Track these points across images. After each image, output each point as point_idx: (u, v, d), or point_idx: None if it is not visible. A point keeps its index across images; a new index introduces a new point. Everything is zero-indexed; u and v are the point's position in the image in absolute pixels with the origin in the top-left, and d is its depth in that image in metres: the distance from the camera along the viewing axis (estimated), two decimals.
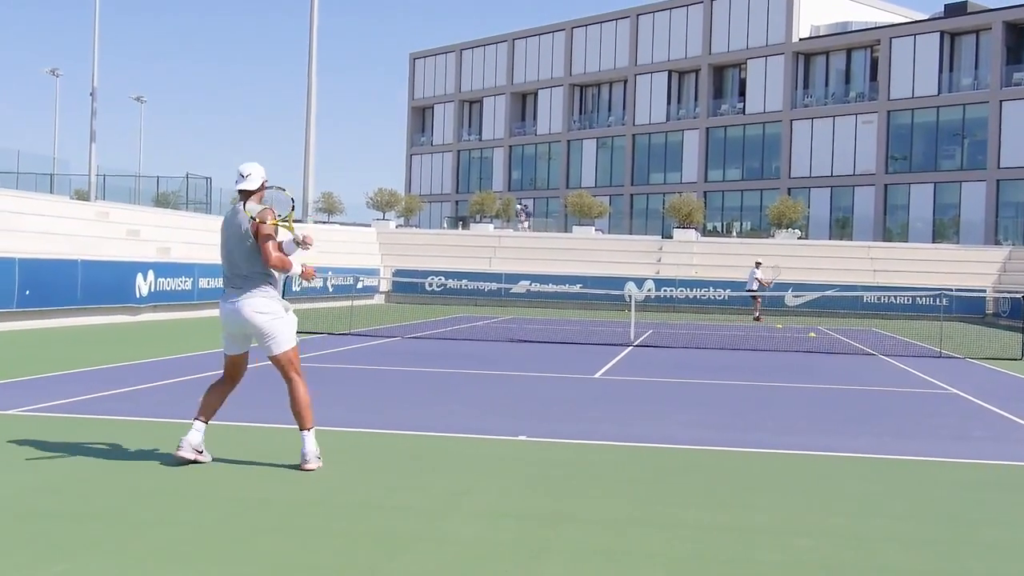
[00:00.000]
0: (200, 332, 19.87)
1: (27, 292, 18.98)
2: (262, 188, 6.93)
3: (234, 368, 7.06)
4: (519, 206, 48.51)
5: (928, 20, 54.87)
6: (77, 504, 5.77)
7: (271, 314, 6.79)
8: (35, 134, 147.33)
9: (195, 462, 6.79)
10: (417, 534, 5.34)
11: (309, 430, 6.85)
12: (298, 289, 7.08)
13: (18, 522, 5.37)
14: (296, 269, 6.94)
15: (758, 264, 32.11)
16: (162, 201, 40.50)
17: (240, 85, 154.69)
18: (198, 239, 29.02)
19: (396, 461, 7.35)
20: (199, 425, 6.83)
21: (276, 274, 6.87)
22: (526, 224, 47.57)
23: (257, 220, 6.70)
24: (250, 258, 6.77)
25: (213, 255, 29.67)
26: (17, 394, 10.08)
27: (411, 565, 4.81)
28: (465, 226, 51.07)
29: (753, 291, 30.81)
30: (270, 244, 6.74)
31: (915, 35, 53.27)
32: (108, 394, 10.31)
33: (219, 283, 26.42)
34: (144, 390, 10.84)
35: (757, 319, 31.09)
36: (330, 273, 32.60)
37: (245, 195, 6.85)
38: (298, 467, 6.85)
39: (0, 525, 5.30)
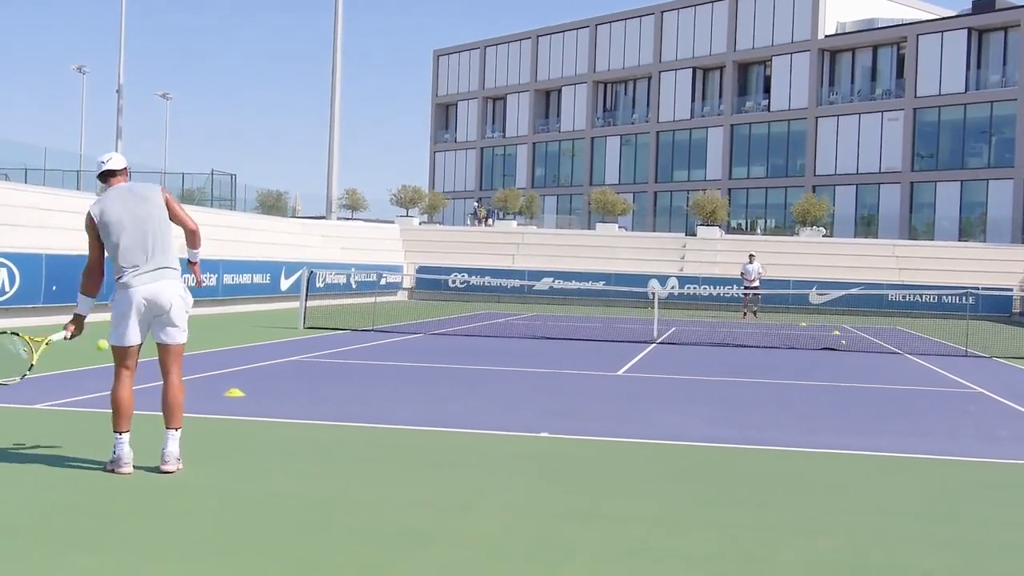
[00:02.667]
0: (223, 328, 19.97)
1: (54, 288, 19.13)
2: (126, 172, 6.65)
3: (134, 360, 6.52)
4: (475, 204, 48.48)
5: (956, 17, 54.42)
6: (102, 498, 5.81)
7: (187, 302, 6.56)
8: (62, 131, 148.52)
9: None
10: (438, 531, 5.35)
11: (177, 430, 6.48)
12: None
13: (45, 515, 5.42)
14: (200, 254, 6.91)
15: (752, 257, 31.68)
16: (187, 198, 40.70)
17: (265, 82, 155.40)
18: (223, 236, 29.15)
19: (417, 457, 7.36)
20: (127, 437, 6.42)
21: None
22: (489, 222, 47.64)
23: (165, 192, 6.58)
24: (167, 236, 6.49)
25: (239, 251, 29.67)
26: (43, 389, 10.16)
27: (432, 562, 4.81)
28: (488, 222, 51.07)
29: (754, 286, 30.42)
30: (187, 213, 6.67)
31: (942, 32, 52.85)
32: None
33: (244, 279, 26.69)
34: None
35: (744, 316, 30.86)
36: (353, 270, 32.68)
37: (110, 175, 6.55)
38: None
39: (28, 518, 5.35)
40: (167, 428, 6.47)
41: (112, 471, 6.38)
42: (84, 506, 5.63)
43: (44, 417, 8.65)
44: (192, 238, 6.75)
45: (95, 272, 6.54)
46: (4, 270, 18.18)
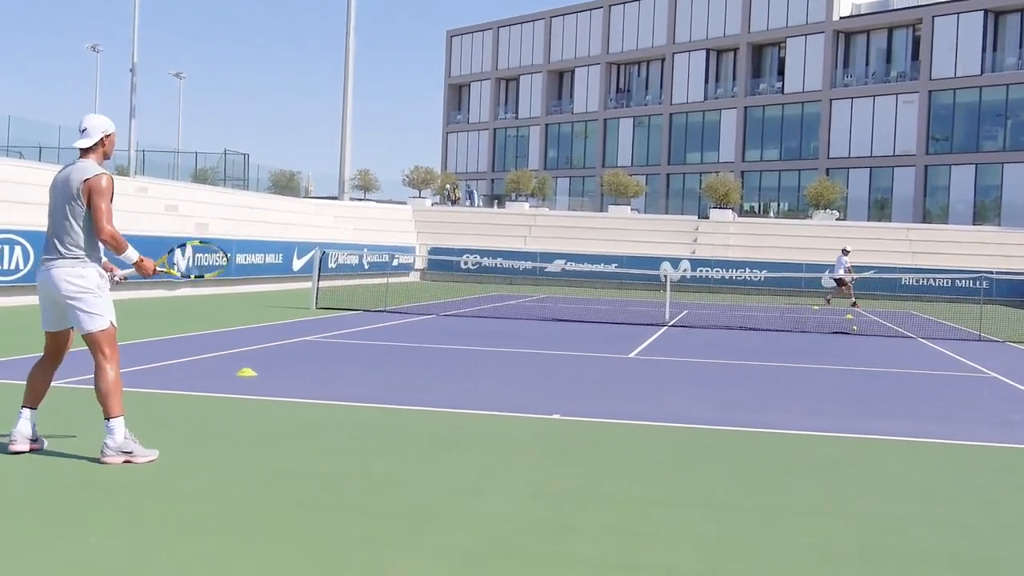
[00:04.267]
0: (236, 308, 20.03)
1: None
2: (104, 144, 6.24)
3: (54, 346, 6.36)
4: (448, 186, 48.02)
5: None
6: (112, 476, 5.84)
7: (84, 286, 6.06)
8: (76, 110, 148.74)
9: (33, 451, 6.26)
10: (449, 510, 5.36)
11: (114, 418, 6.09)
12: (119, 280, 6.54)
13: (58, 492, 5.45)
14: (132, 255, 6.23)
15: (846, 251, 30.10)
16: (200, 177, 40.77)
17: (278, 62, 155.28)
18: (236, 215, 29.22)
19: (429, 437, 7.38)
20: (27, 412, 6.25)
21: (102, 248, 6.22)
22: (468, 203, 47.50)
23: (91, 182, 6.05)
24: (75, 224, 6.08)
25: (251, 231, 29.76)
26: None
27: (442, 540, 4.83)
28: (500, 204, 51.04)
29: (838, 277, 29.30)
30: (104, 213, 6.06)
31: (958, 14, 52.47)
32: (144, 368, 10.43)
33: (257, 259, 26.77)
34: (179, 364, 10.95)
35: (827, 302, 29.56)
36: (365, 250, 32.72)
37: (84, 153, 6.20)
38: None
39: (42, 494, 5.39)
40: (104, 419, 6.14)
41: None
42: (95, 483, 5.65)
43: (55, 395, 8.68)
44: (104, 245, 6.20)
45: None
46: (19, 247, 18.27)
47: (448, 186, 48.17)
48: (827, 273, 29.97)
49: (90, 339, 6.14)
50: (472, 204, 50.88)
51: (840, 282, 29.34)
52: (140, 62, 43.81)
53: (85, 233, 6.13)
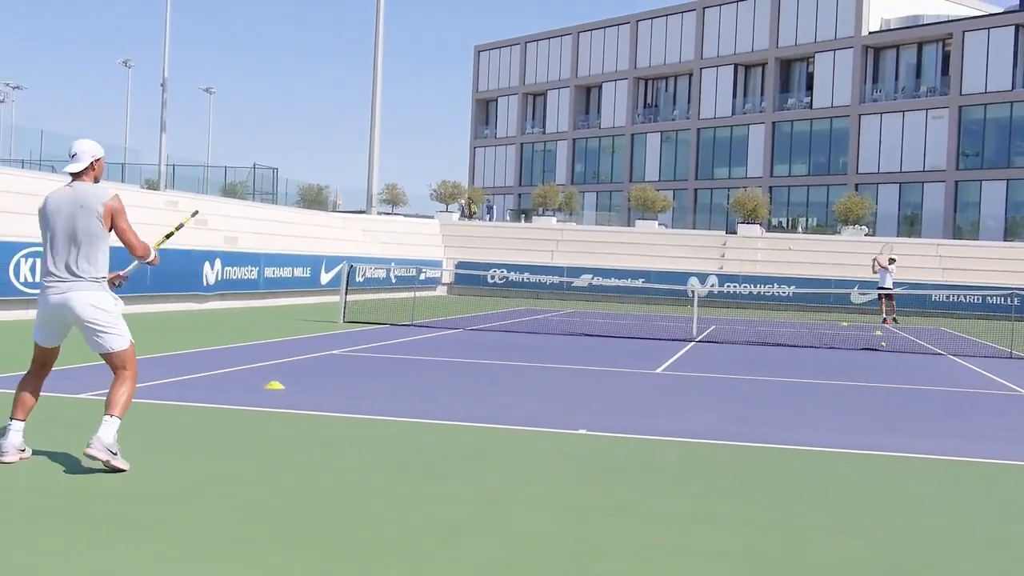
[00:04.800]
0: (264, 321, 20.13)
1: None
2: (94, 168, 6.36)
3: (47, 359, 6.51)
4: (464, 200, 47.98)
5: (1003, 13, 53.68)
6: (142, 486, 5.88)
7: (108, 309, 6.26)
8: (108, 124, 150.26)
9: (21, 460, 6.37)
10: (475, 524, 5.37)
11: (116, 416, 6.19)
12: (125, 277, 6.88)
13: (88, 502, 5.50)
14: (151, 256, 6.56)
15: (892, 260, 29.66)
16: (229, 191, 41.03)
17: (307, 76, 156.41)
18: (265, 229, 29.39)
19: (455, 451, 7.39)
20: (17, 425, 6.37)
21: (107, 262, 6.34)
22: (487, 218, 47.52)
23: (112, 204, 6.21)
24: (97, 246, 6.22)
25: (280, 245, 29.83)
26: (86, 378, 10.30)
27: (469, 554, 4.83)
28: (528, 219, 51.06)
29: (886, 287, 28.82)
30: (131, 231, 6.32)
31: (989, 29, 52.16)
32: (172, 380, 10.50)
33: (285, 273, 26.90)
34: (207, 377, 11.01)
35: (894, 320, 29.08)
36: (393, 265, 32.81)
37: (76, 177, 6.31)
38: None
39: (71, 504, 5.43)
40: (104, 413, 6.24)
41: None
42: (124, 493, 5.70)
43: (88, 406, 8.76)
44: (139, 259, 6.52)
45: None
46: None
47: (464, 200, 48.14)
48: (886, 275, 29.06)
49: (117, 357, 6.32)
50: (491, 218, 50.85)
51: (889, 296, 28.88)
52: (171, 77, 44.29)
53: (102, 254, 6.28)
